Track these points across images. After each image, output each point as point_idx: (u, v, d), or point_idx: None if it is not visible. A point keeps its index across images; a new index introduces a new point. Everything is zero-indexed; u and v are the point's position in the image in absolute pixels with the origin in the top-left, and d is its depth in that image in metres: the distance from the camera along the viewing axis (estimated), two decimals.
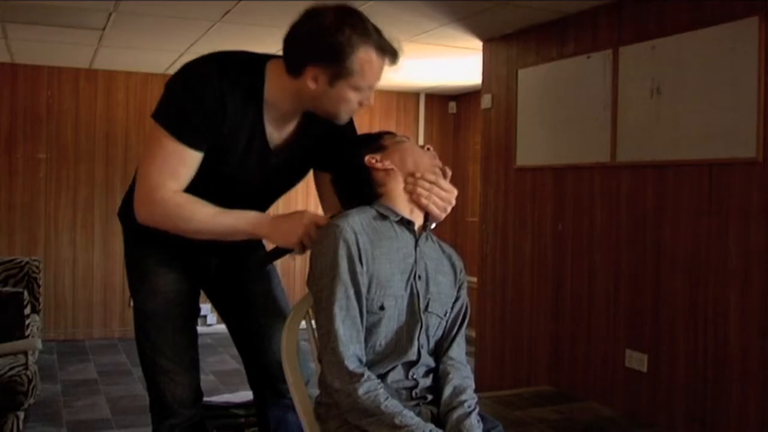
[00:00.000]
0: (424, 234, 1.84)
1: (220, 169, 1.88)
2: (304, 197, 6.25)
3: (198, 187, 1.85)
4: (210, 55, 1.87)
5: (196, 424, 2.19)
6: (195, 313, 2.19)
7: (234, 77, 1.81)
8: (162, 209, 1.82)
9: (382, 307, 1.71)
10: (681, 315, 3.46)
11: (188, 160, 1.81)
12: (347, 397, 1.63)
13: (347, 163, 1.87)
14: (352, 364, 1.64)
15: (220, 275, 2.18)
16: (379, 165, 1.82)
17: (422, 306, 1.78)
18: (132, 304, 2.12)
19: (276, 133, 1.91)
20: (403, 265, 1.76)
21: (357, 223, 1.73)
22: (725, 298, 3.26)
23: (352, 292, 1.67)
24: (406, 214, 1.81)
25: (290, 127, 1.93)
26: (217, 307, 2.27)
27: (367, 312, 1.70)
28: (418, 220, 1.83)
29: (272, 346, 2.14)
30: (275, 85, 1.83)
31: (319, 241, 1.72)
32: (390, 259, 1.75)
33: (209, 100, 1.78)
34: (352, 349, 1.65)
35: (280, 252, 1.91)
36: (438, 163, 1.87)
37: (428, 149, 1.90)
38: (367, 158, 1.82)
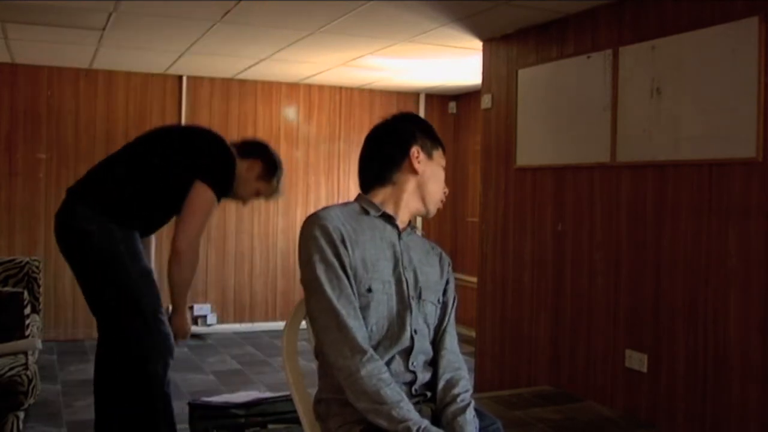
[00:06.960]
0: (408, 229, 1.85)
1: None
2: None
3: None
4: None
5: None
6: None
7: None
8: (197, 252, 2.93)
9: (369, 290, 1.71)
10: (681, 315, 3.46)
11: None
12: (349, 376, 1.61)
13: (394, 134, 1.88)
14: (359, 335, 1.63)
15: None
16: (417, 164, 1.83)
17: (414, 294, 1.78)
18: None
19: None
20: (388, 253, 1.77)
21: (337, 213, 1.75)
22: (725, 298, 3.26)
23: (341, 273, 1.67)
24: (389, 210, 1.82)
25: None
26: None
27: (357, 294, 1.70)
28: (402, 218, 1.84)
29: None
30: None
31: (301, 232, 1.73)
32: (375, 245, 1.75)
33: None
34: (355, 324, 1.65)
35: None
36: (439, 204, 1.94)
37: (445, 193, 1.94)
38: (415, 148, 1.84)
